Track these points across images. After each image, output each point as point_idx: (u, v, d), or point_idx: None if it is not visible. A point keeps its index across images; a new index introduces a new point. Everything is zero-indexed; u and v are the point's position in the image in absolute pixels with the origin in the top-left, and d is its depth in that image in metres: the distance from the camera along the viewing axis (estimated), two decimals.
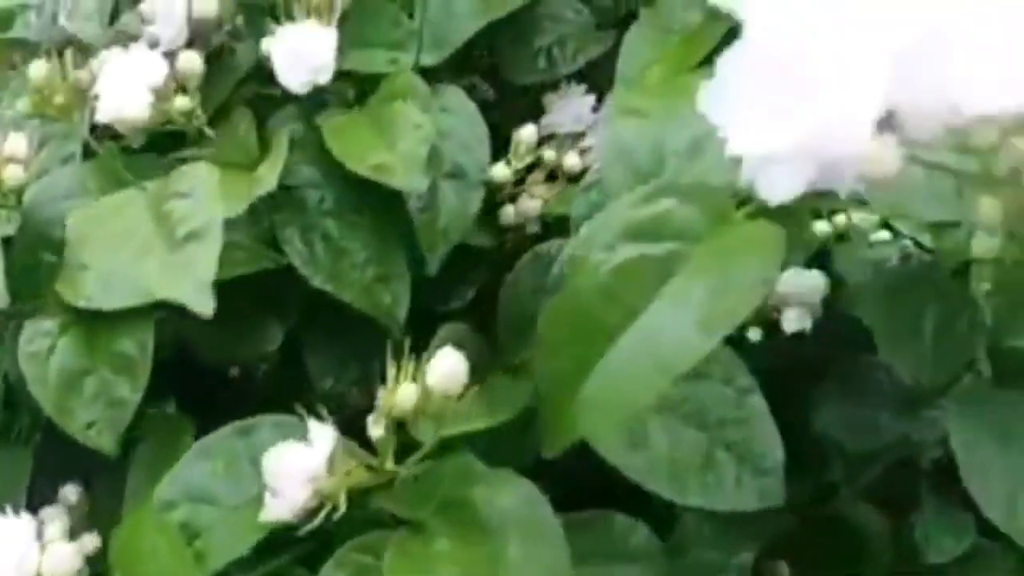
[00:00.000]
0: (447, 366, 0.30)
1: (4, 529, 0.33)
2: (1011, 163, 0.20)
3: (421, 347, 0.39)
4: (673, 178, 0.30)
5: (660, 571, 0.47)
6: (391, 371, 0.32)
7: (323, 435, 0.30)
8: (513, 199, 0.52)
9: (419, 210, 0.48)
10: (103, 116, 0.44)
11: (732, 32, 0.25)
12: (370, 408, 0.33)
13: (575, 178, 0.53)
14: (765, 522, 0.54)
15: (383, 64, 0.52)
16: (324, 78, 0.47)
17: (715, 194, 0.28)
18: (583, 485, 0.44)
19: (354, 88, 0.52)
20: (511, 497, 0.31)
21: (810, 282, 0.47)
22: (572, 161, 0.54)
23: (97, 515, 0.43)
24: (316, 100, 0.50)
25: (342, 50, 0.51)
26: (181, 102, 0.45)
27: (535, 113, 0.56)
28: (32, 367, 0.40)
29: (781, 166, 0.20)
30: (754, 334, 0.48)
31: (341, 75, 0.50)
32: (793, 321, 0.47)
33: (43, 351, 0.40)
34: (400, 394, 0.31)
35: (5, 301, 0.40)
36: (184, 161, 0.49)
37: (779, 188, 0.20)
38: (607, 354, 0.25)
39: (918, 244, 0.46)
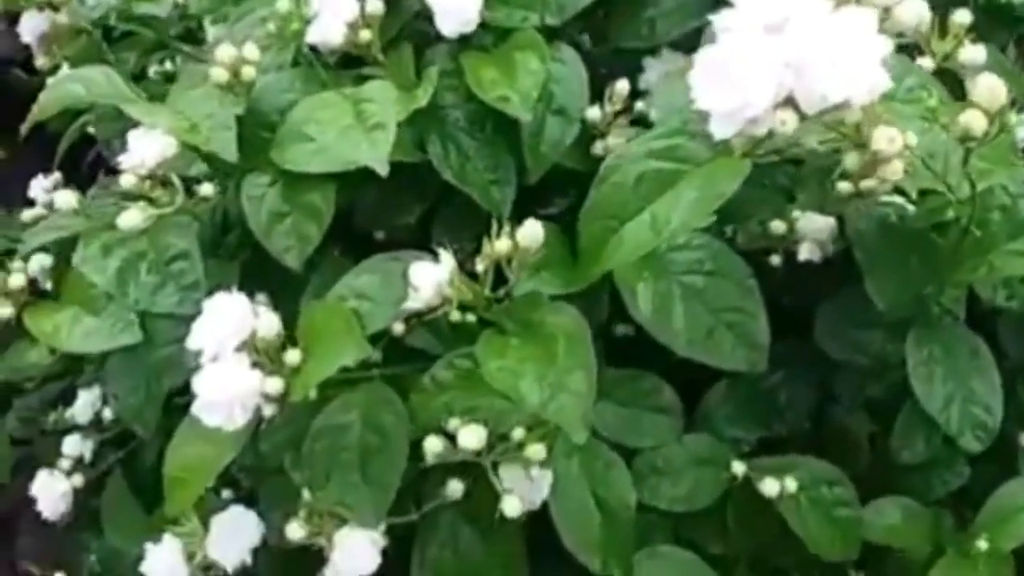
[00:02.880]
0: (531, 228, 0.46)
1: (230, 300, 0.51)
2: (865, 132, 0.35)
3: None
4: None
5: (679, 425, 0.62)
6: (495, 230, 0.47)
7: (447, 259, 0.46)
8: (604, 136, 0.67)
9: (529, 135, 0.63)
10: (312, 38, 0.61)
11: None
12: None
13: None
14: (772, 414, 0.69)
15: (517, 20, 0.66)
16: (469, 28, 0.62)
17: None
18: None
19: (492, 36, 0.67)
20: (563, 316, 0.46)
21: (821, 224, 0.60)
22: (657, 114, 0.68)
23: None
24: (461, 42, 0.65)
25: (487, 5, 0.66)
26: (365, 35, 0.61)
27: (631, 71, 0.70)
28: (250, 206, 0.58)
29: (723, 119, 0.35)
30: (775, 259, 0.62)
31: (483, 25, 0.66)
32: (805, 252, 0.60)
33: (258, 196, 0.58)
34: (499, 243, 0.46)
35: (234, 157, 0.57)
36: (363, 77, 0.65)
37: (721, 131, 0.35)
38: (625, 226, 0.40)
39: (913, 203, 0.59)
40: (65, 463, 0.74)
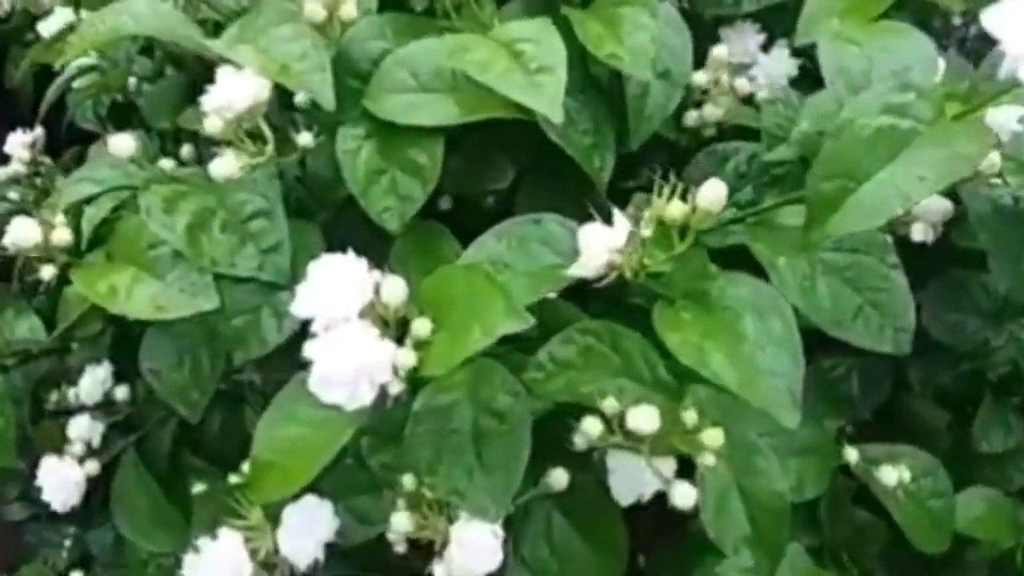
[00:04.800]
0: (714, 188, 0.41)
1: (345, 261, 0.45)
2: None
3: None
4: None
5: None
6: (663, 190, 0.43)
7: (622, 222, 0.41)
8: (699, 105, 0.63)
9: (634, 97, 0.58)
10: None
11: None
12: None
13: (743, 99, 0.65)
14: (845, 402, 0.67)
15: None
16: None
17: (937, 95, 0.39)
18: None
19: None
20: (743, 288, 0.42)
21: (936, 205, 0.58)
22: (742, 84, 0.65)
23: None
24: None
25: None
26: None
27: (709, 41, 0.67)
28: (345, 159, 0.52)
29: None
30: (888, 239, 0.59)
31: None
32: (919, 232, 0.58)
33: (353, 149, 0.52)
34: (673, 206, 0.42)
35: (331, 103, 0.51)
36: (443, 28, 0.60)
37: None
38: (862, 186, 0.37)
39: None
40: (77, 447, 0.65)
